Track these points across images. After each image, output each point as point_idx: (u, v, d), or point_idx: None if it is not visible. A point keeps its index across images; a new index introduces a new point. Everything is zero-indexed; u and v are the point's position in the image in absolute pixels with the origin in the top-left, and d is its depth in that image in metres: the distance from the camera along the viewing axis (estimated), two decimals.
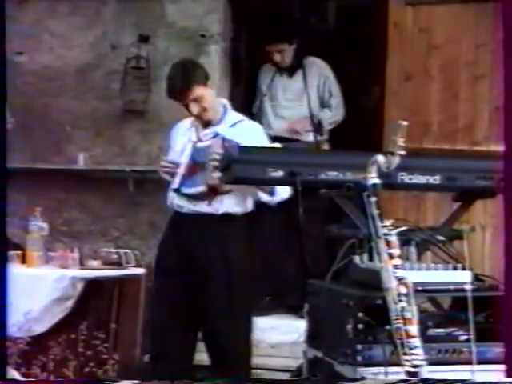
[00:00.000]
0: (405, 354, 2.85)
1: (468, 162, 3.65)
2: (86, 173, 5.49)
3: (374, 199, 2.99)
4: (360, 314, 3.07)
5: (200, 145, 3.91)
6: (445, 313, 3.32)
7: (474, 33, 4.90)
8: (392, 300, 2.89)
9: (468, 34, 4.97)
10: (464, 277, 3.21)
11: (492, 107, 4.78)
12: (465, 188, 3.50)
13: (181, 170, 3.90)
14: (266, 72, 5.47)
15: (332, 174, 3.32)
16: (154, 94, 5.39)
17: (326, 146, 5.30)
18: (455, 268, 3.27)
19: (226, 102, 4.05)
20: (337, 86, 5.35)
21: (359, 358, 3.06)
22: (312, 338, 3.42)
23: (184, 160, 3.91)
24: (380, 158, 3.03)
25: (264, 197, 3.87)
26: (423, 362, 2.86)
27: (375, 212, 2.99)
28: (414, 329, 2.87)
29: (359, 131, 5.31)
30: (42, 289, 4.57)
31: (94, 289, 4.61)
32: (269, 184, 3.71)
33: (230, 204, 3.90)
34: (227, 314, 3.88)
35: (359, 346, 3.07)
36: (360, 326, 3.07)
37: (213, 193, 3.85)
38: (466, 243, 3.32)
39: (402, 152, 3.08)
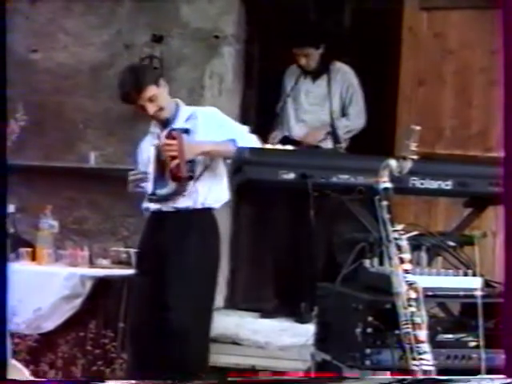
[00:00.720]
0: (413, 359, 2.85)
1: (480, 167, 3.64)
2: (98, 171, 5.50)
3: (385, 203, 2.99)
4: (369, 318, 3.07)
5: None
6: (454, 318, 3.31)
7: (488, 39, 4.88)
8: (402, 305, 2.89)
9: (483, 40, 4.95)
10: (474, 283, 3.21)
11: None
12: (477, 194, 3.50)
13: (151, 175, 3.93)
14: (291, 73, 5.43)
15: (344, 178, 3.32)
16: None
17: None
18: (466, 274, 3.26)
19: (177, 100, 4.06)
20: (360, 93, 5.29)
21: (368, 362, 3.06)
22: (321, 341, 3.41)
23: (151, 166, 3.94)
24: (392, 163, 3.03)
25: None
26: (432, 368, 2.85)
27: (386, 216, 2.98)
28: (423, 334, 2.86)
29: (372, 135, 5.30)
30: (51, 286, 4.58)
31: (102, 287, 4.61)
32: (280, 186, 3.70)
33: (206, 194, 3.91)
34: (196, 308, 3.87)
35: (368, 350, 3.07)
36: (369, 330, 3.07)
37: (178, 182, 3.87)
38: (477, 249, 3.31)
39: (415, 157, 3.07)
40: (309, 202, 3.33)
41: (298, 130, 5.33)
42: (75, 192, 5.58)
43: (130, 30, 5.59)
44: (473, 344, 3.15)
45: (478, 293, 3.12)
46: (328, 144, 5.29)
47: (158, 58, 5.46)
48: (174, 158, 3.81)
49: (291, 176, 3.31)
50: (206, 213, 3.94)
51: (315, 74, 5.33)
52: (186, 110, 4.01)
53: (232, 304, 5.61)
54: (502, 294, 3.14)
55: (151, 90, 3.89)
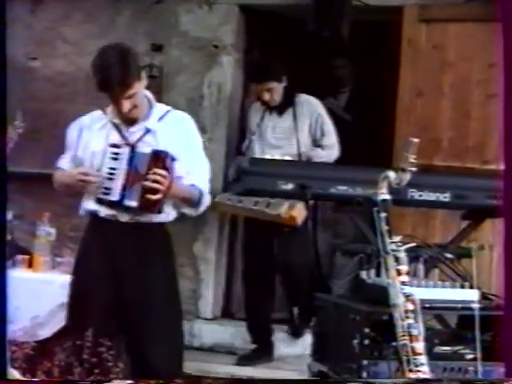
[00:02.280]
0: (410, 370, 2.85)
1: (478, 180, 3.65)
2: None
3: (383, 215, 2.99)
4: (366, 330, 3.08)
5: (141, 150, 3.40)
6: (451, 331, 3.31)
7: (487, 52, 4.90)
8: (399, 316, 2.89)
9: (481, 53, 4.96)
10: (471, 295, 3.21)
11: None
12: (474, 206, 3.51)
13: (120, 180, 3.40)
14: (255, 111, 5.28)
15: (342, 189, 3.33)
16: (166, 102, 5.38)
17: None
18: (462, 286, 3.27)
19: (148, 93, 3.51)
20: (330, 124, 5.16)
21: (364, 374, 3.06)
22: (318, 352, 3.42)
23: (122, 170, 3.40)
24: (391, 174, 3.04)
25: (186, 210, 3.50)
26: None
27: (384, 228, 2.99)
28: (420, 346, 2.86)
29: (370, 146, 5.30)
30: (48, 294, 4.56)
31: None
32: (278, 196, 3.70)
33: (169, 211, 3.47)
34: (158, 325, 3.55)
35: (365, 362, 3.07)
36: (366, 342, 3.07)
37: (146, 210, 3.41)
38: (475, 262, 3.32)
39: (413, 168, 3.08)
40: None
41: None
42: (73, 199, 5.57)
43: (130, 39, 5.58)
44: (470, 356, 3.15)
45: (476, 305, 3.12)
46: None
47: (158, 66, 5.47)
48: (156, 191, 3.31)
49: (290, 186, 3.31)
50: (162, 227, 3.49)
51: (281, 109, 5.17)
52: (159, 108, 3.52)
53: (228, 314, 5.61)
54: (503, 306, 3.13)
55: (136, 87, 3.32)
